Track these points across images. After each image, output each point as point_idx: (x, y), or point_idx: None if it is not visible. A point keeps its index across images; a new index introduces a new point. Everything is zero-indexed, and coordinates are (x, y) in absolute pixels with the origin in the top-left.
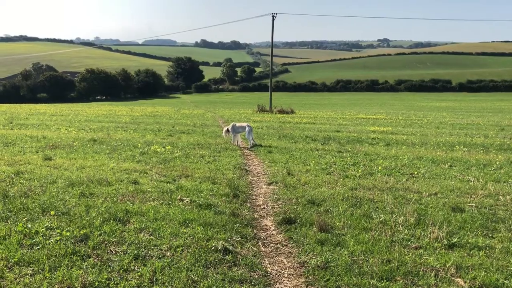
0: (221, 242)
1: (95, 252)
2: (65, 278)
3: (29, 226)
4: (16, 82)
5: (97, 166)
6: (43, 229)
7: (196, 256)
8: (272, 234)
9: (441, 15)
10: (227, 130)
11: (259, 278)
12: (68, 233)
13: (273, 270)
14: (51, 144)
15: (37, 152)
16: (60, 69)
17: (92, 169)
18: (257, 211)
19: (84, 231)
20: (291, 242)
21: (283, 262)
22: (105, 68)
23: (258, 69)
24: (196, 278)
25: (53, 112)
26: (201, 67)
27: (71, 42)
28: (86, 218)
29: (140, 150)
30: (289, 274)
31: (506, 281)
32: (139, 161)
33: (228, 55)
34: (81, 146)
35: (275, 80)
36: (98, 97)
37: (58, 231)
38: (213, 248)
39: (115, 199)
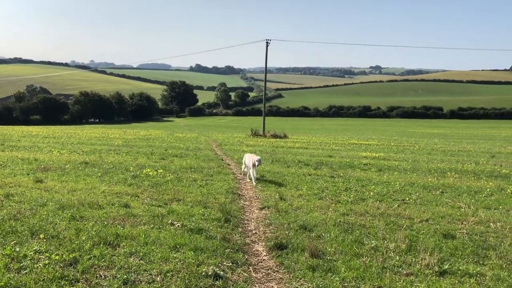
0: (211, 267)
1: (84, 276)
2: None
3: (17, 249)
4: (9, 104)
5: (89, 189)
6: (31, 253)
7: (186, 281)
8: (264, 259)
9: (432, 44)
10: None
11: None
12: (57, 257)
13: None
14: (42, 166)
15: (28, 174)
16: (54, 91)
17: (83, 192)
18: (248, 236)
19: (74, 255)
20: (283, 268)
21: None
22: (100, 91)
23: (252, 94)
24: None
25: (46, 134)
26: (195, 91)
27: (66, 65)
28: (76, 242)
29: (132, 173)
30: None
31: None
32: (131, 185)
33: (222, 80)
34: (73, 168)
35: (269, 104)
36: (92, 119)
37: (47, 254)
38: (203, 274)
39: (105, 223)
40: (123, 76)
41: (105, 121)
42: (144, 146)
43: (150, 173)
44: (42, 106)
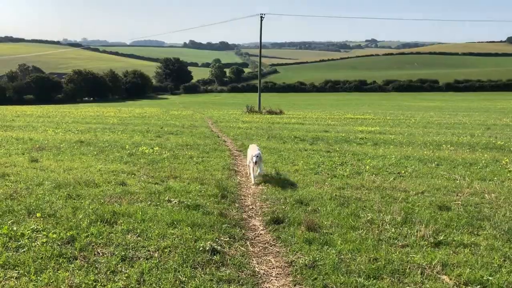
0: (209, 242)
1: (82, 254)
2: (51, 281)
3: (15, 228)
4: (2, 83)
5: (84, 167)
6: (29, 232)
7: (184, 256)
8: (260, 234)
9: (428, 16)
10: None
11: (247, 278)
12: (54, 235)
13: (261, 269)
14: (37, 146)
15: (23, 154)
16: (47, 70)
17: (79, 170)
18: (245, 211)
19: (71, 233)
20: (279, 242)
21: (271, 262)
22: (93, 69)
23: (247, 70)
24: (183, 279)
25: (40, 113)
26: (189, 68)
27: (58, 43)
28: (73, 220)
29: (128, 151)
30: (277, 273)
31: (490, 277)
32: (127, 162)
33: (217, 56)
34: (68, 147)
35: (264, 80)
36: (86, 98)
37: (44, 233)
38: (201, 249)
39: (102, 201)
40: (116, 53)
41: (99, 99)
42: (140, 124)
43: (146, 150)
44: (35, 85)
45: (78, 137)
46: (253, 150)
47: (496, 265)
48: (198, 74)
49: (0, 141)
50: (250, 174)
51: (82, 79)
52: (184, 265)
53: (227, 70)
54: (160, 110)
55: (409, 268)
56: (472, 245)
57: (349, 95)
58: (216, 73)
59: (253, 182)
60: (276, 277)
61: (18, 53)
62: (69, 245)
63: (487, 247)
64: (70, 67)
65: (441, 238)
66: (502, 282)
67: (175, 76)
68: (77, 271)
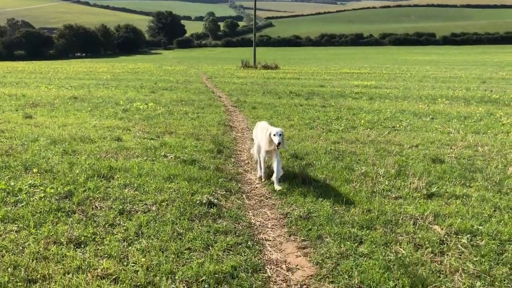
0: (205, 196)
1: (80, 208)
2: (51, 234)
3: (12, 184)
4: None
5: (79, 123)
6: (26, 187)
7: (181, 209)
8: (256, 187)
9: None
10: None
11: (243, 229)
12: (52, 190)
13: (257, 221)
14: (31, 102)
15: (16, 110)
16: (37, 25)
17: (74, 126)
18: (241, 166)
19: (68, 187)
20: (275, 195)
21: (266, 214)
22: (84, 24)
23: (241, 23)
24: (181, 231)
25: (32, 69)
26: (182, 22)
27: None
28: (70, 175)
29: (123, 107)
30: (273, 224)
31: (480, 227)
32: (122, 118)
33: (210, 9)
34: (62, 104)
35: (259, 34)
36: (78, 54)
37: (42, 188)
38: (198, 202)
39: (98, 156)
40: (107, 7)
41: (91, 55)
42: (133, 79)
43: (141, 106)
44: (25, 41)
45: (71, 93)
46: (269, 128)
47: (486, 215)
48: (192, 28)
49: None
50: (259, 166)
51: (74, 34)
52: (182, 218)
53: (221, 24)
54: (153, 66)
55: (402, 218)
56: (464, 196)
57: (345, 49)
58: (210, 27)
59: (277, 187)
60: (272, 228)
61: (6, 7)
62: (67, 199)
63: (478, 198)
64: (61, 21)
65: (433, 190)
66: (491, 231)
67: (168, 30)
68: (76, 224)
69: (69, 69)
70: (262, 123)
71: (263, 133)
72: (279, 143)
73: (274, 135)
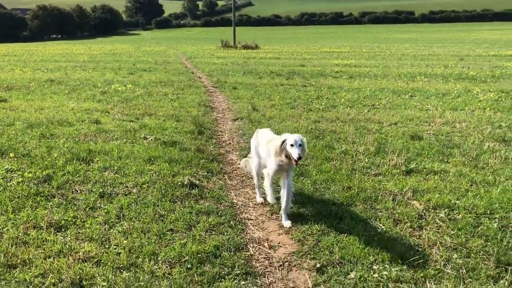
0: (187, 177)
1: (59, 192)
2: (30, 218)
3: None
4: None
5: (57, 106)
6: (3, 172)
7: (163, 191)
8: (238, 167)
9: None
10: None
11: (226, 209)
12: (30, 175)
13: (239, 201)
14: (5, 85)
15: None
16: (9, 6)
17: (51, 110)
18: (222, 147)
19: (47, 171)
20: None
21: (248, 194)
22: (58, 4)
23: (220, 3)
24: (163, 212)
25: (5, 52)
26: (160, 2)
27: None
28: (48, 159)
29: (101, 89)
30: (254, 204)
31: (457, 201)
32: (100, 101)
33: None
34: (38, 87)
35: (239, 14)
36: (53, 36)
37: (20, 173)
38: (179, 183)
39: (77, 139)
40: None
41: (67, 36)
42: (111, 61)
43: (119, 88)
44: None
45: (48, 76)
46: (275, 138)
47: (463, 189)
48: (170, 8)
49: None
50: (259, 188)
51: (48, 15)
52: (163, 200)
53: (200, 3)
54: (131, 47)
55: (381, 195)
56: (442, 172)
57: (325, 28)
58: (189, 6)
59: (271, 202)
60: (254, 208)
61: None
62: (46, 183)
63: (456, 173)
64: (34, 1)
65: (412, 166)
66: (468, 205)
67: (145, 10)
68: (56, 208)
69: (45, 51)
70: (264, 131)
71: (269, 147)
72: (299, 158)
73: (292, 145)
